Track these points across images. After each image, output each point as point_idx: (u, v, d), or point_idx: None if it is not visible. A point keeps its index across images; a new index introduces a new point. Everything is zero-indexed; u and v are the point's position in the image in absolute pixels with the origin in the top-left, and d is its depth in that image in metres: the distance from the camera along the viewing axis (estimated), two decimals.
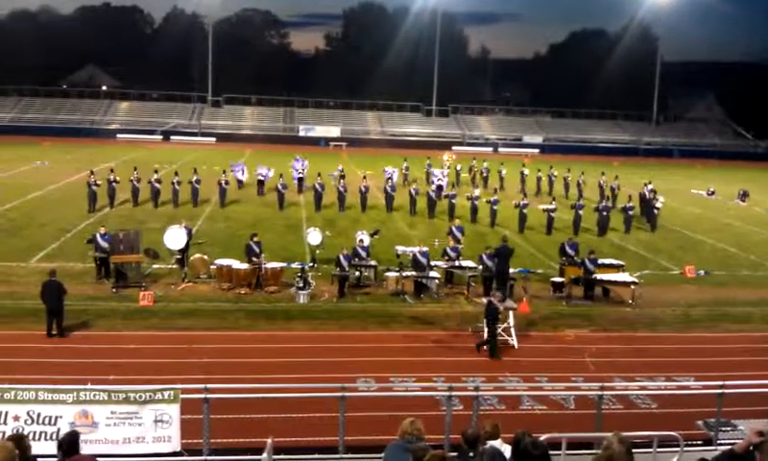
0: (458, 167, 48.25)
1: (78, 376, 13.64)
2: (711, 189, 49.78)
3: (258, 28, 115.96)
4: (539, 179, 44.76)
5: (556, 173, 44.86)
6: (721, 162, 78.69)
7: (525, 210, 32.72)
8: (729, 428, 12.93)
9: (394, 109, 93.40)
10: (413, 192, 36.05)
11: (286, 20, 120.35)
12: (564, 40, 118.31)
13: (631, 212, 34.07)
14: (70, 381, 12.18)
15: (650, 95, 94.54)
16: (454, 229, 26.21)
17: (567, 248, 24.30)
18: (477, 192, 36.39)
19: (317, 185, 36.49)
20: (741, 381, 13.83)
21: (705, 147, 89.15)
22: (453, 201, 35.00)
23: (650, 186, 37.84)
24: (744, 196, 47.02)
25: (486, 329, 17.56)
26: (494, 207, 33.54)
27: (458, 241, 25.20)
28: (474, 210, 34.38)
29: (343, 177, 38.63)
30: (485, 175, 46.55)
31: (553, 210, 32.40)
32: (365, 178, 38.35)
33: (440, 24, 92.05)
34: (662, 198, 36.57)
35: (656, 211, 34.86)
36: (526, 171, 45.04)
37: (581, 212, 32.55)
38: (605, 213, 32.90)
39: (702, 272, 26.47)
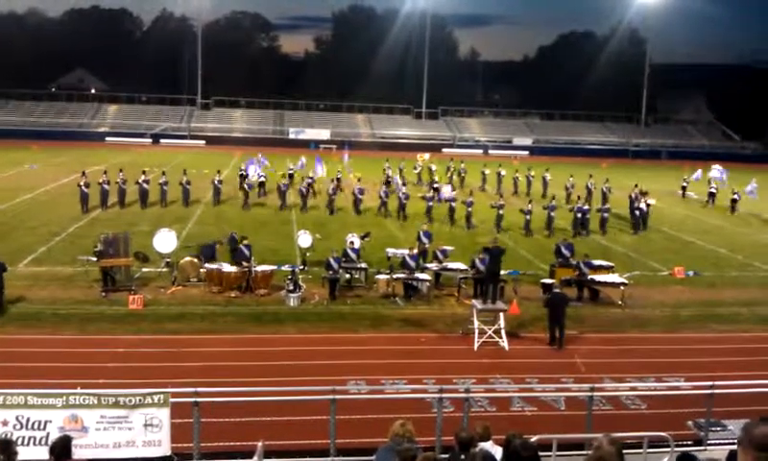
0: (432, 167, 48.40)
1: (67, 380, 13.56)
2: (697, 176, 49.24)
3: (248, 31, 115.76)
4: (515, 179, 45.21)
5: (533, 174, 45.21)
6: (709, 164, 78.77)
7: (501, 211, 32.79)
8: (719, 428, 12.98)
9: (384, 112, 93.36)
10: (402, 197, 35.88)
11: (276, 23, 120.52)
12: (553, 43, 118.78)
13: (606, 214, 34.14)
14: (59, 385, 12.13)
15: (638, 97, 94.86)
16: (421, 233, 26.21)
17: (563, 248, 24.35)
18: (454, 193, 36.44)
19: (302, 189, 36.78)
20: (731, 381, 13.89)
21: (693, 149, 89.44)
22: (430, 203, 35.02)
23: (637, 189, 38.02)
24: (712, 197, 45.26)
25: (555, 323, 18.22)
26: (469, 209, 33.67)
27: (425, 245, 25.32)
28: (452, 211, 34.44)
29: (338, 180, 39.07)
30: (462, 175, 46.76)
31: (529, 212, 32.46)
32: (359, 180, 38.38)
33: (429, 26, 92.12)
34: (653, 200, 36.79)
35: (637, 213, 34.88)
36: (503, 172, 45.52)
37: (553, 214, 32.66)
38: (579, 215, 32.94)
39: (691, 273, 26.60)
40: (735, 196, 42.42)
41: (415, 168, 48.44)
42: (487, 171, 47.12)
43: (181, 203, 36.24)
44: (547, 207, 33.16)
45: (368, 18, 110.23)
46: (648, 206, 35.63)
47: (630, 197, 38.10)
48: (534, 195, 41.54)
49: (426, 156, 52.21)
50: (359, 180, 38.50)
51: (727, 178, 45.87)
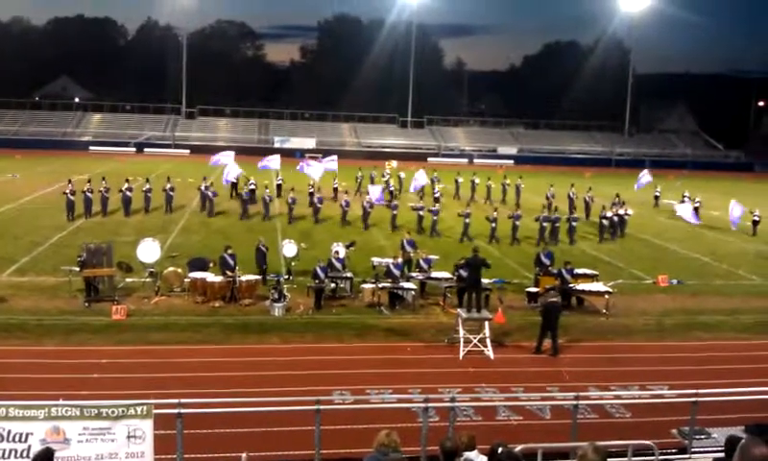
0: (401, 175, 48.39)
1: (49, 391, 13.44)
2: (658, 191, 49.47)
3: (233, 40, 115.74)
4: (488, 187, 45.48)
5: (509, 182, 45.40)
6: (692, 172, 79.55)
7: (468, 220, 32.85)
8: (703, 437, 13.02)
9: (369, 121, 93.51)
10: (366, 205, 35.68)
11: (261, 32, 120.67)
12: (538, 52, 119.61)
13: (575, 223, 34.22)
14: (41, 397, 12.01)
15: (622, 106, 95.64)
16: (405, 242, 26.20)
17: (543, 257, 24.39)
18: (421, 203, 36.54)
19: (289, 199, 36.52)
20: (715, 390, 13.94)
21: (676, 158, 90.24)
22: (395, 211, 35.06)
23: (619, 198, 38.16)
24: (683, 200, 44.37)
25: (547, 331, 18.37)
26: (435, 217, 33.78)
27: (409, 254, 25.32)
28: (420, 220, 34.44)
29: (318, 189, 38.73)
30: (434, 184, 46.89)
31: (494, 220, 32.46)
32: (319, 190, 38.29)
33: (415, 36, 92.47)
34: (631, 211, 37.04)
35: (605, 222, 34.90)
36: (477, 180, 45.98)
37: (518, 223, 32.74)
38: (545, 223, 33.03)
39: (675, 281, 26.73)
40: (697, 204, 42.55)
41: (383, 176, 48.52)
42: (460, 179, 47.53)
43: (164, 210, 36.19)
44: (512, 216, 33.22)
45: (353, 28, 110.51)
46: (619, 215, 35.72)
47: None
48: (509, 203, 41.94)
49: (394, 163, 52.47)
50: (319, 189, 38.38)
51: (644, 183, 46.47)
